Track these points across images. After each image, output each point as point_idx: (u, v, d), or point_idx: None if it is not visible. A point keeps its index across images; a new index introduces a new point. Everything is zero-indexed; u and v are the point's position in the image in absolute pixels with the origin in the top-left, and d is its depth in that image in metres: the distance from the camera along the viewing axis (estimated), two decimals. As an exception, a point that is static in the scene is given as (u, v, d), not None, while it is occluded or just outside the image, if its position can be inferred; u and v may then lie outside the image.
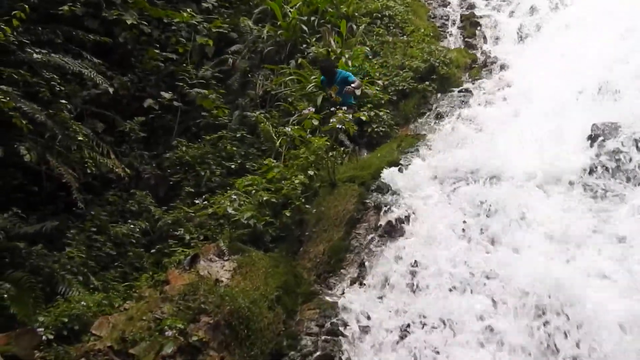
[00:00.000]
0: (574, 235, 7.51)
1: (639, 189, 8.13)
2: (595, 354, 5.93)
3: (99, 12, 12.83)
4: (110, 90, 11.79)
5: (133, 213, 11.05)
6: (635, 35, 11.81)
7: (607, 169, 8.52)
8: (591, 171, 8.58)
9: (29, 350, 6.55)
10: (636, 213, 7.66)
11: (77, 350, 6.35)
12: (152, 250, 10.13)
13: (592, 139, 9.07)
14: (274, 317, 6.97)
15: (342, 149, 9.74)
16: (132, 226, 10.53)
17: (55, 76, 10.73)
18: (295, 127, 10.08)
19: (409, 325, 6.68)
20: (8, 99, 9.21)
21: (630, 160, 8.48)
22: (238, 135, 12.40)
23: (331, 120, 9.44)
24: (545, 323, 6.34)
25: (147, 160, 12.42)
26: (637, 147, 8.57)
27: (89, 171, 10.77)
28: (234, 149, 12.04)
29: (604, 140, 8.90)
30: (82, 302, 7.67)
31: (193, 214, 10.27)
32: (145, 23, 13.48)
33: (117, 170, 11.18)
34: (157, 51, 13.46)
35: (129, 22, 12.99)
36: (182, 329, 6.26)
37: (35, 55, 10.40)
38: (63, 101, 10.71)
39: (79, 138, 10.60)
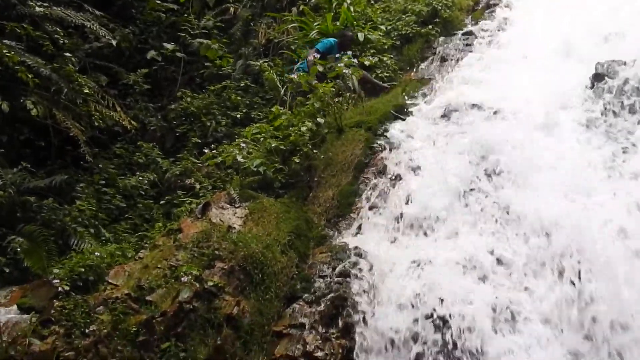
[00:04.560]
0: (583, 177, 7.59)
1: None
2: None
3: (99, -36, 12.70)
4: (113, 42, 11.76)
5: (140, 165, 11.12)
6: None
7: (612, 105, 8.54)
8: (597, 109, 8.61)
9: (46, 301, 6.60)
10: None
11: (95, 298, 6.40)
12: (162, 202, 10.20)
13: (597, 77, 9.07)
14: (287, 261, 7.03)
15: (348, 94, 9.70)
16: (140, 178, 10.60)
17: (57, 29, 10.67)
18: (301, 73, 10.03)
19: (420, 264, 6.76)
20: (12, 53, 9.19)
21: (635, 96, 8.50)
22: (242, 84, 12.39)
23: (337, 65, 9.42)
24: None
25: (152, 112, 12.42)
26: (640, 83, 8.60)
27: (95, 124, 10.81)
28: (239, 98, 12.04)
29: (608, 78, 8.90)
30: (96, 253, 7.74)
31: (201, 164, 10.31)
32: (145, -28, 13.38)
33: (123, 122, 11.22)
34: (158, 2, 13.35)
35: (128, -28, 12.89)
36: (197, 275, 6.31)
37: (37, 9, 10.36)
38: (67, 54, 10.67)
39: (85, 91, 10.62)
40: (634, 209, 6.85)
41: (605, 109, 8.60)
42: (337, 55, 10.51)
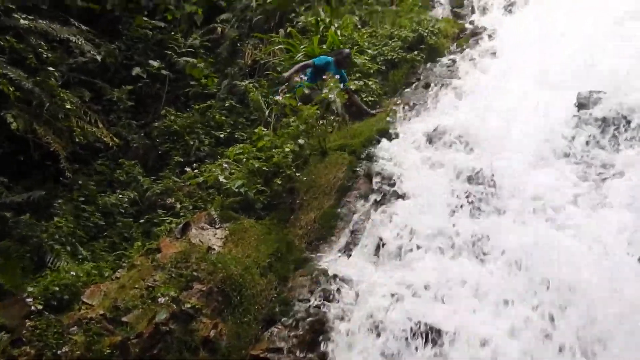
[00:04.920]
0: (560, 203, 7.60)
1: (624, 153, 8.19)
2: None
3: (86, -21, 12.66)
4: (98, 57, 11.69)
5: (121, 183, 11.02)
6: (622, 10, 11.84)
7: (592, 136, 8.57)
8: (577, 139, 8.64)
9: (18, 320, 6.46)
10: (621, 177, 7.75)
11: (69, 318, 6.31)
12: (141, 220, 10.10)
13: (578, 107, 9.11)
14: (267, 283, 6.97)
15: (332, 117, 9.68)
16: (120, 196, 10.51)
17: (42, 43, 10.60)
18: (286, 95, 10.01)
19: (401, 289, 6.70)
20: (-6, 65, 9.12)
21: (614, 126, 8.53)
22: (227, 104, 12.36)
23: (323, 89, 9.41)
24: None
25: (135, 129, 12.34)
26: (621, 114, 8.61)
27: (76, 140, 10.70)
28: (223, 118, 12.00)
29: (589, 108, 8.94)
30: (72, 272, 7.63)
31: (182, 183, 10.24)
32: (133, -11, 13.35)
33: (105, 139, 11.13)
34: (145, 19, 13.32)
35: (117, -12, 12.86)
36: (174, 296, 6.22)
37: (21, 21, 10.29)
38: (50, 69, 10.59)
39: (67, 106, 10.53)
40: (614, 241, 6.85)
41: (587, 139, 8.61)
42: (334, 72, 10.52)
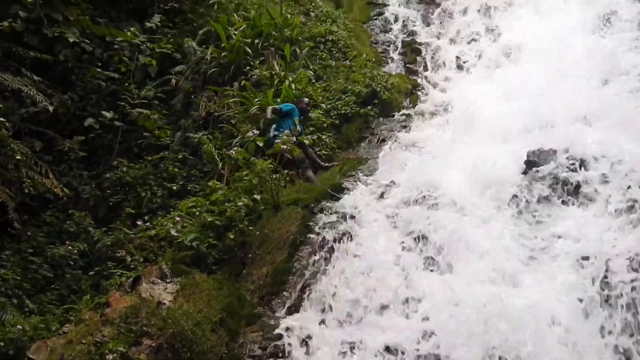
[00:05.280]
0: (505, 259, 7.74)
1: (570, 211, 8.39)
2: None
3: (39, 29, 12.62)
4: (50, 108, 11.61)
5: (71, 234, 10.84)
6: (568, 67, 12.24)
7: (540, 193, 8.77)
8: (525, 195, 8.83)
9: (-41, 375, 6.35)
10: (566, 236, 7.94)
11: (14, 374, 6.18)
12: (91, 272, 9.94)
13: (528, 163, 9.32)
14: (217, 339, 6.92)
15: (285, 171, 9.75)
16: (70, 247, 10.32)
17: (-7, 93, 10.53)
18: (239, 149, 10.06)
19: (351, 348, 6.72)
20: (-57, 114, 9.00)
21: (563, 184, 8.75)
22: (180, 156, 12.30)
23: (275, 142, 9.49)
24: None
25: (86, 180, 12.19)
26: (570, 171, 8.84)
27: (26, 191, 10.54)
28: (176, 170, 11.94)
29: (539, 166, 9.15)
30: (18, 326, 7.48)
31: (134, 236, 10.13)
32: (87, 41, 13.30)
33: (55, 190, 10.97)
34: (99, 70, 13.28)
35: (70, 39, 12.80)
36: (123, 352, 6.16)
37: (-27, 71, 10.19)
38: (1, 119, 10.49)
39: (17, 157, 10.38)
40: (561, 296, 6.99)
41: (536, 195, 8.80)
42: (298, 117, 10.96)
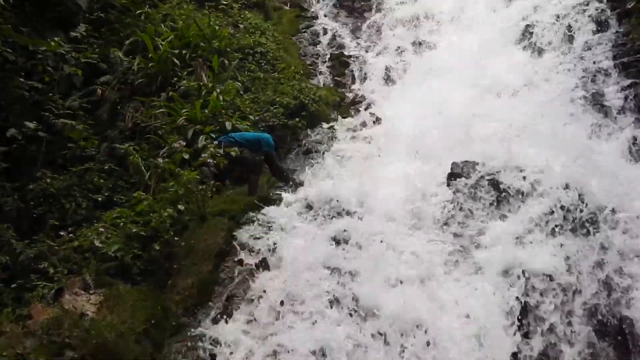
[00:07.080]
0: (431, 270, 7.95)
1: (494, 223, 8.65)
2: None
3: (-41, 38, 12.35)
4: (-30, 119, 11.36)
5: (-8, 247, 10.60)
6: (492, 80, 12.63)
7: (466, 202, 9.02)
8: (449, 207, 9.07)
9: None
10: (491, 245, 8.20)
11: None
12: (13, 285, 9.71)
13: (452, 176, 9.57)
14: (141, 350, 6.90)
15: (212, 182, 9.77)
16: (-10, 261, 10.09)
17: None
18: (166, 160, 10.04)
19: (275, 355, 6.80)
20: None
21: (485, 195, 9.02)
22: (106, 167, 12.15)
23: (202, 154, 9.51)
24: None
25: (8, 192, 11.90)
26: (492, 184, 9.12)
27: (-56, 204, 10.29)
28: (102, 181, 11.78)
29: (463, 177, 9.41)
30: None
31: (57, 248, 9.96)
32: (9, 50, 13.04)
33: (-25, 202, 10.72)
34: (22, 80, 13.03)
35: (-9, 48, 12.57)
36: (45, 364, 6.08)
37: None
38: None
39: (-64, 170, 10.13)
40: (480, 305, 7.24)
41: (460, 205, 9.05)
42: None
